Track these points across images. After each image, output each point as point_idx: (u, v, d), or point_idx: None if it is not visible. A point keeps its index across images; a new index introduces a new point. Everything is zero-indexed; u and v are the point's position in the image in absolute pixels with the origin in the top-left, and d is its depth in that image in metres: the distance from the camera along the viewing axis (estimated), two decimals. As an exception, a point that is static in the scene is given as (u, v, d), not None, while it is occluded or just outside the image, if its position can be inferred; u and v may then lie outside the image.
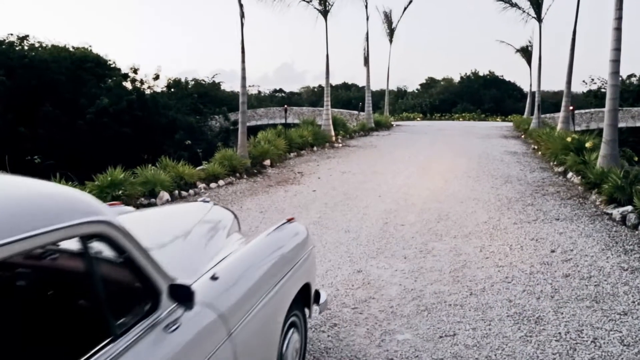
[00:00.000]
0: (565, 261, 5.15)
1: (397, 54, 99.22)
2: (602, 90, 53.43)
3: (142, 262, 1.61)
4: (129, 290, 1.65)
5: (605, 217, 6.93)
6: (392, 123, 29.32)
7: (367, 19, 23.14)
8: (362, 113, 24.64)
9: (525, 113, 29.41)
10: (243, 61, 11.01)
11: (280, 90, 71.00)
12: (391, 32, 30.47)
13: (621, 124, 32.00)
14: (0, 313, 1.24)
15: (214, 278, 2.09)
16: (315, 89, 69.52)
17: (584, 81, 53.72)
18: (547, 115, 30.98)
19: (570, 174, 10.34)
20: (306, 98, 70.28)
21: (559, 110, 32.62)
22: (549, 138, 13.89)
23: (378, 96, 42.03)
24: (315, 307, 3.17)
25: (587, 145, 10.53)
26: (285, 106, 17.18)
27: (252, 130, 36.47)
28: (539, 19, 20.72)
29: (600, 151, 9.27)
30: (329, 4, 16.73)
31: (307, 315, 2.99)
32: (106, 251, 1.52)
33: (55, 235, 1.30)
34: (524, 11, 20.94)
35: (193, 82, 38.58)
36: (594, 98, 52.52)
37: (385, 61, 75.06)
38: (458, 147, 16.70)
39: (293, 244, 2.87)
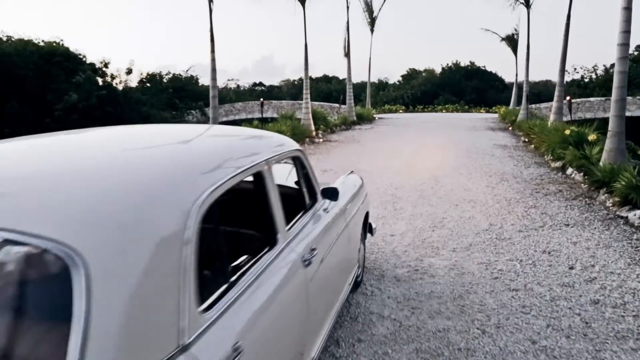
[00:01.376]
0: (588, 281, 4.29)
1: (378, 45, 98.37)
2: (585, 79, 53.49)
3: (312, 175, 2.93)
4: (309, 189, 2.86)
5: (620, 222, 6.11)
6: (375, 116, 28.50)
7: (348, 7, 22.21)
8: (343, 106, 23.73)
9: (511, 104, 28.79)
10: (213, 51, 9.97)
11: (260, 84, 69.64)
12: (372, 22, 29.55)
13: (607, 114, 31.67)
14: (265, 196, 2.15)
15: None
16: (296, 82, 68.28)
17: (567, 71, 53.70)
18: (533, 105, 30.40)
19: (570, 170, 9.55)
20: (286, 91, 69.01)
21: (543, 101, 32.16)
22: (542, 130, 13.13)
23: (359, 88, 41.10)
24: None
25: (590, 138, 9.74)
26: (262, 100, 16.01)
27: (231, 125, 35.41)
28: (527, 4, 20.01)
29: (606, 145, 8.49)
30: (307, -11, 15.71)
31: (366, 236, 4.37)
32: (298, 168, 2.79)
33: (286, 154, 2.55)
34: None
35: (170, 77, 37.21)
36: (577, 87, 52.53)
37: (366, 52, 74.04)
38: (445, 141, 15.89)
39: (358, 185, 4.13)
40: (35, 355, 1.12)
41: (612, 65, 40.78)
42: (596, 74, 52.45)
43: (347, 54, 22.80)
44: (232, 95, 57.94)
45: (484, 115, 31.71)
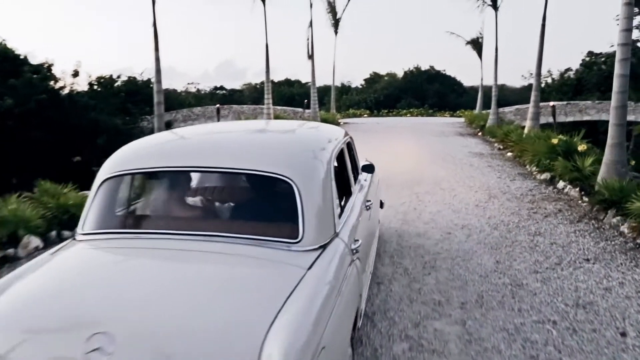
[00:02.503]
0: (653, 357, 3.18)
1: (341, 48, 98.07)
2: (541, 84, 54.30)
3: (357, 155, 4.08)
4: (356, 164, 3.98)
5: (647, 254, 5.10)
6: (340, 120, 27.35)
7: (311, 5, 21.02)
8: (307, 111, 22.50)
9: (477, 108, 28.28)
10: (156, 49, 8.52)
11: (221, 88, 67.64)
12: (336, 23, 28.53)
13: (569, 118, 31.71)
14: (345, 163, 3.46)
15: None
16: (257, 86, 66.62)
17: (523, 75, 54.47)
18: (502, 108, 30.05)
19: (561, 184, 8.61)
20: (248, 95, 67.26)
21: (501, 105, 31.90)
22: (521, 138, 12.26)
23: (322, 92, 40.00)
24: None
25: (580, 148, 8.83)
26: (218, 105, 14.31)
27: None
28: (495, 6, 19.35)
29: (605, 156, 7.57)
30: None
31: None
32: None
33: (343, 142, 3.45)
34: (479, -2, 19.52)
35: (125, 80, 35.02)
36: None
37: (329, 55, 73.13)
38: (417, 148, 14.88)
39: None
40: (283, 217, 2.49)
41: (567, 70, 41.13)
42: (552, 79, 53.46)
43: (311, 55, 21.60)
44: (191, 100, 55.81)
45: (449, 120, 31.11)
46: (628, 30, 7.24)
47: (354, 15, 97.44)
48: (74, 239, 2.64)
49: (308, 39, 21.86)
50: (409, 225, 6.38)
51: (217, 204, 3.09)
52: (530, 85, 55.09)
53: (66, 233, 6.08)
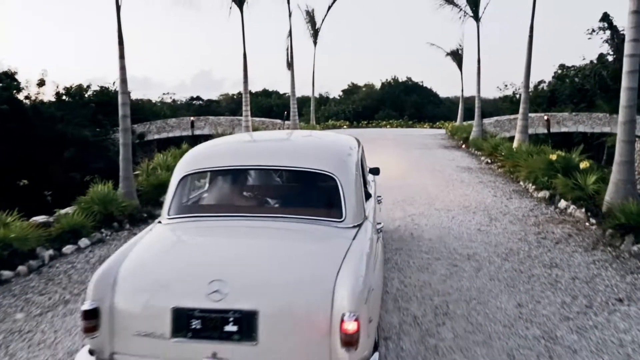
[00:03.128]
0: None
1: (319, 59, 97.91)
2: (517, 95, 54.90)
3: (365, 161, 4.35)
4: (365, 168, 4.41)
5: (685, 292, 4.48)
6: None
7: (290, 14, 20.40)
8: (287, 122, 21.76)
9: (458, 119, 27.98)
10: (122, 56, 7.65)
11: (198, 98, 66.52)
12: (315, 33, 27.93)
13: (544, 130, 31.68)
14: (364, 167, 4.27)
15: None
16: (235, 97, 65.68)
17: (497, 87, 54.95)
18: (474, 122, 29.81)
19: (563, 203, 8.05)
20: (225, 106, 66.25)
21: (484, 117, 31.80)
22: (512, 153, 11.74)
23: (300, 103, 39.28)
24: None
25: (582, 165, 8.29)
26: (192, 119, 13.25)
27: (164, 143, 32.29)
28: (477, 17, 19.02)
29: (612, 175, 7.02)
30: (245, -9, 13.66)
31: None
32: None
33: (360, 148, 4.07)
34: (460, 9, 19.15)
35: (97, 90, 33.71)
36: (510, 103, 53.78)
37: (306, 65, 72.76)
38: (403, 162, 14.25)
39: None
40: (330, 203, 3.07)
41: (540, 82, 41.47)
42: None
43: (290, 65, 20.92)
44: (166, 110, 54.41)
45: (430, 131, 30.76)
46: (636, 40, 6.74)
47: (331, 26, 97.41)
48: (160, 222, 3.27)
49: (287, 49, 21.21)
50: (409, 255, 5.66)
51: (276, 193, 3.88)
52: (505, 97, 55.47)
53: (5, 273, 5.15)
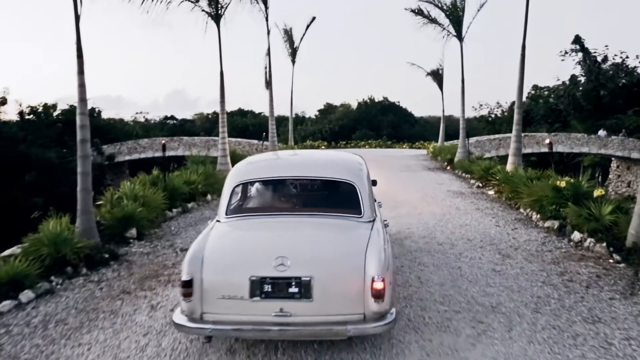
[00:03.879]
0: None
1: (295, 78, 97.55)
2: (492, 115, 55.40)
3: (369, 173, 4.89)
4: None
5: None
6: (299, 153, 25.79)
7: (268, 32, 19.60)
8: (266, 142, 20.83)
9: (439, 140, 27.51)
10: (81, 71, 6.62)
11: (172, 117, 65.08)
12: (293, 52, 27.30)
13: (527, 150, 31.52)
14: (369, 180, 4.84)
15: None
16: (210, 116, 64.55)
17: (473, 107, 55.34)
18: (455, 142, 29.37)
19: (577, 235, 7.29)
20: (200, 125, 64.95)
21: (455, 137, 31.49)
22: (507, 177, 11.05)
23: (277, 122, 38.48)
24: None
25: (596, 193, 7.58)
26: (163, 141, 11.91)
27: (136, 165, 30.76)
28: (460, 37, 18.61)
29: (637, 207, 6.29)
30: (222, 6, 12.79)
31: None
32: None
33: (365, 163, 5.00)
34: (444, 28, 18.73)
35: (65, 109, 32.20)
36: (487, 123, 54.20)
37: (283, 84, 72.25)
38: (390, 186, 13.43)
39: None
40: (352, 204, 4.13)
41: (513, 103, 42.07)
42: (502, 111, 54.57)
43: (269, 83, 20.06)
44: (138, 130, 52.70)
45: (410, 152, 30.19)
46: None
47: (308, 45, 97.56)
48: (218, 221, 4.25)
49: (266, 67, 20.39)
50: (422, 308, 4.75)
51: (308, 196, 5.00)
52: (481, 117, 55.62)
53: None
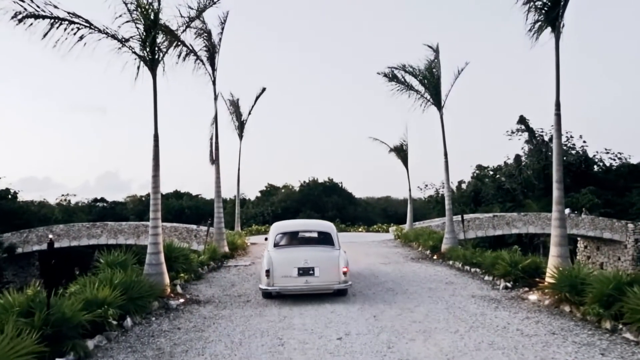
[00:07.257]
0: None
1: (234, 158, 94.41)
2: (439, 194, 54.00)
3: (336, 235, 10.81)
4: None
5: None
6: (247, 241, 21.57)
7: (215, 98, 16.35)
8: (211, 229, 16.76)
9: (407, 223, 24.58)
10: None
11: (102, 200, 59.22)
12: (241, 126, 24.11)
13: (497, 231, 29.38)
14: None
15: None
16: (143, 198, 59.36)
17: (418, 187, 54.16)
18: (417, 223, 26.81)
19: None
20: (132, 208, 59.42)
21: (418, 219, 28.97)
22: (571, 280, 7.78)
23: (211, 205, 34.54)
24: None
25: None
26: (51, 237, 7.36)
27: (52, 257, 25.03)
28: (440, 106, 16.25)
29: None
30: (159, 48, 9.41)
31: None
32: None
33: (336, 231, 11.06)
34: (421, 96, 16.33)
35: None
36: (436, 203, 52.76)
37: (227, 161, 67.97)
38: (376, 292, 9.84)
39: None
40: (329, 243, 10.25)
41: (461, 182, 40.48)
42: (451, 190, 53.52)
43: (215, 158, 16.47)
44: (57, 215, 46.50)
45: (374, 237, 26.98)
46: None
47: (252, 120, 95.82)
48: (268, 250, 9.93)
49: (211, 139, 16.92)
50: None
51: (311, 238, 10.94)
52: (430, 197, 53.68)
53: None
